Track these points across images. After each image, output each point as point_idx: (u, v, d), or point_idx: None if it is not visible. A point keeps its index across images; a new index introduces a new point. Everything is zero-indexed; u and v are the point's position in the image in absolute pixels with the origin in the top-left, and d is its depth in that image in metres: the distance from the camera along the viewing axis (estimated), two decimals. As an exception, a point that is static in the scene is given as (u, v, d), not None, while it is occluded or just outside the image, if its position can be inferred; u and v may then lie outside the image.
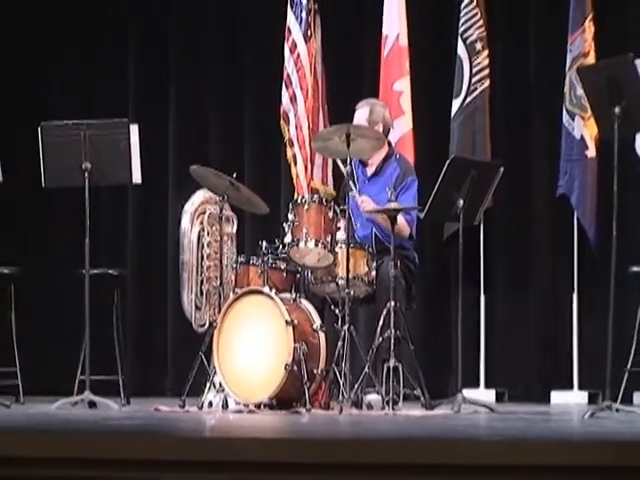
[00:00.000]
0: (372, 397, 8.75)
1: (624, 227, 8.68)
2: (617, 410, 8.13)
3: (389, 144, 9.38)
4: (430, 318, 10.07)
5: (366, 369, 8.67)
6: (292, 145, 9.84)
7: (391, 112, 9.76)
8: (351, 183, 8.90)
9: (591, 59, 9.60)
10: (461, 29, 9.95)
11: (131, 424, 8.13)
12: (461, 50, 9.94)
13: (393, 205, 8.84)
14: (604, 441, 7.02)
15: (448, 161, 8.94)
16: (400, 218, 8.99)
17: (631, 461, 6.26)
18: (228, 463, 6.52)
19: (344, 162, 8.79)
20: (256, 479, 6.42)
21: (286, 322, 8.60)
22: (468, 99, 9.94)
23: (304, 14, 9.89)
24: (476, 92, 9.93)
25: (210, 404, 8.87)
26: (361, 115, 9.31)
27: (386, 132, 9.37)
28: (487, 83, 9.96)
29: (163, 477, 6.51)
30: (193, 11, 10.89)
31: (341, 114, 9.53)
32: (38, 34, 11.16)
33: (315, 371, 8.72)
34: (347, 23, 10.39)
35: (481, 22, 9.95)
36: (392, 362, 8.60)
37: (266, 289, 8.78)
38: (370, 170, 9.29)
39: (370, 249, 9.03)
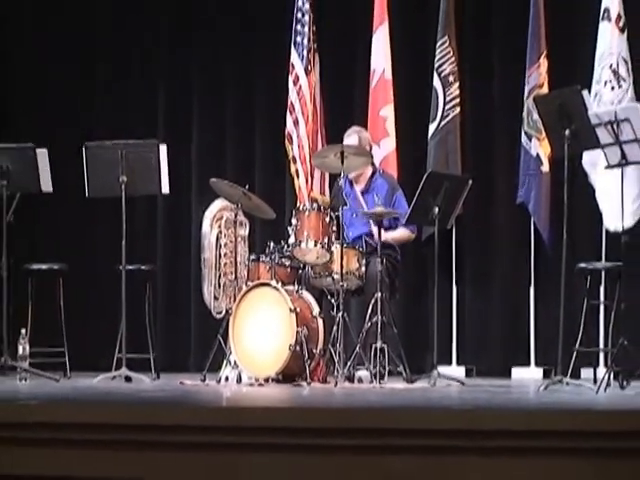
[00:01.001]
0: (362, 373, 8.79)
1: (573, 230, 8.74)
2: (567, 384, 8.17)
3: (372, 163, 9.41)
4: (410, 306, 10.08)
5: (357, 349, 8.72)
6: (295, 162, 9.85)
7: (378, 134, 9.83)
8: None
9: (545, 90, 9.59)
10: (436, 64, 9.94)
11: (160, 395, 8.17)
12: (436, 82, 9.93)
13: (383, 211, 8.92)
14: (556, 410, 7.05)
15: (425, 175, 8.98)
16: (405, 231, 9.08)
17: (579, 426, 6.30)
18: (241, 428, 6.55)
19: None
20: (265, 442, 6.43)
21: (290, 310, 8.64)
22: (442, 123, 9.93)
23: (305, 52, 9.89)
24: (449, 117, 9.93)
25: (226, 378, 8.91)
26: (351, 143, 9.33)
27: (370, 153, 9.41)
28: (458, 110, 9.95)
29: (187, 440, 6.54)
30: (213, 49, 10.86)
31: (336, 136, 9.53)
32: (86, 64, 11.13)
33: (314, 351, 8.76)
34: (341, 59, 10.37)
35: (453, 59, 9.94)
36: (379, 344, 8.64)
37: (273, 282, 8.82)
38: (360, 187, 9.30)
39: (360, 249, 9.06)
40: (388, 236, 9.11)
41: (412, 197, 8.92)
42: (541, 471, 6.15)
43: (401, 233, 9.25)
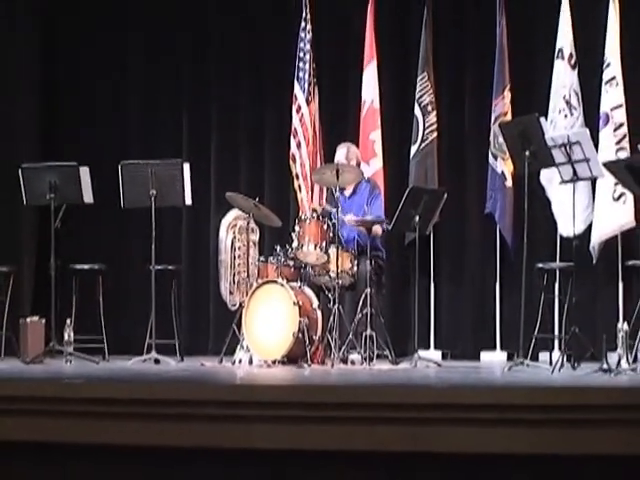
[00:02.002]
0: (354, 356, 8.78)
1: (532, 235, 8.75)
2: (527, 365, 8.18)
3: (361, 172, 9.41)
4: (395, 300, 10.06)
5: (350, 336, 8.72)
6: (298, 178, 9.85)
7: (367, 154, 9.85)
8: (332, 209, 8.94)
9: (508, 117, 9.58)
10: (417, 96, 9.93)
11: (184, 375, 8.18)
12: (417, 111, 9.92)
13: (369, 217, 8.94)
14: (518, 387, 7.06)
15: (408, 189, 8.99)
16: (378, 227, 9.06)
17: (537, 401, 6.32)
18: (252, 403, 6.56)
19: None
20: (272, 414, 6.45)
21: (293, 303, 8.65)
22: (422, 145, 9.93)
23: (306, 85, 9.90)
24: (427, 140, 9.92)
25: (240, 361, 8.89)
26: (341, 154, 9.34)
27: (358, 164, 9.41)
28: (435, 134, 9.94)
29: (207, 412, 6.56)
30: (228, 82, 10.83)
31: (333, 156, 9.47)
32: (121, 94, 11.15)
33: (314, 337, 8.76)
34: (336, 91, 10.37)
35: (431, 91, 9.94)
36: (368, 331, 8.64)
37: (279, 280, 8.83)
38: (348, 192, 9.30)
39: (353, 251, 9.06)
40: (365, 219, 8.98)
41: (396, 208, 8.92)
42: (506, 438, 6.18)
43: (375, 228, 9.17)
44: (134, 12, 10.95)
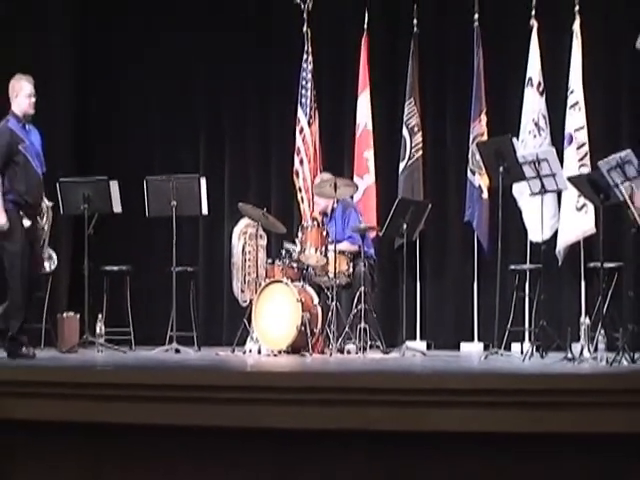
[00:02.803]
0: (350, 346, 8.78)
1: (505, 241, 8.76)
2: (501, 354, 8.20)
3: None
4: (386, 297, 10.06)
5: (346, 329, 8.74)
6: (300, 191, 9.86)
7: (361, 170, 9.91)
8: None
9: (485, 137, 9.59)
10: (405, 119, 9.94)
11: (201, 363, 8.18)
12: (405, 132, 9.93)
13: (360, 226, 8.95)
14: (493, 373, 7.07)
15: (397, 201, 9.02)
16: (346, 244, 9.06)
17: (510, 386, 6.33)
18: (261, 387, 6.57)
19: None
20: (278, 397, 6.45)
21: (297, 300, 8.66)
22: (409, 162, 9.93)
23: (308, 110, 9.91)
24: (414, 158, 9.92)
25: (250, 350, 8.91)
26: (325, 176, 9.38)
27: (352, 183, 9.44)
28: (421, 152, 9.94)
29: (221, 396, 6.56)
30: (240, 107, 10.86)
31: (331, 171, 9.56)
32: (146, 115, 11.17)
33: (315, 330, 8.77)
34: (334, 115, 10.38)
35: (417, 114, 9.93)
36: (362, 325, 8.65)
37: (284, 279, 8.84)
38: (327, 218, 9.29)
39: (349, 255, 9.07)
40: (339, 247, 8.98)
41: (387, 217, 8.95)
42: (483, 419, 6.18)
43: (347, 245, 9.17)
44: (165, 43, 10.91)
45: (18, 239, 7.82)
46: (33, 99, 8.00)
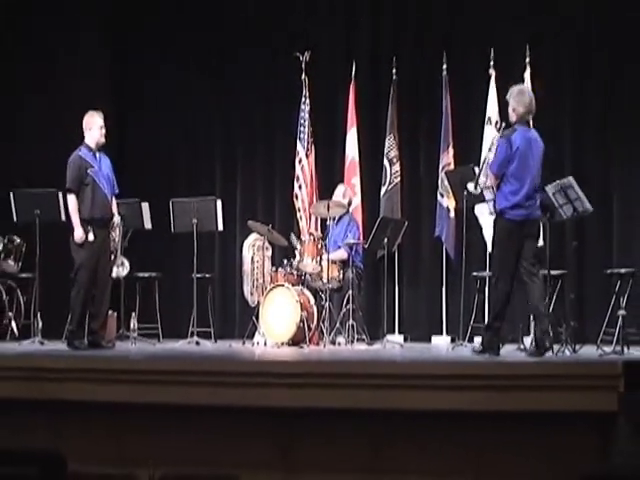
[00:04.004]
0: (341, 339, 8.78)
1: (468, 252, 8.78)
2: (465, 346, 8.22)
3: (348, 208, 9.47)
4: (370, 299, 10.04)
5: (337, 325, 8.75)
6: (299, 211, 9.82)
7: (351, 193, 9.89)
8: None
9: (452, 166, 9.57)
10: (386, 151, 9.92)
11: (217, 353, 8.21)
12: (386, 162, 9.91)
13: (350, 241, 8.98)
14: (458, 362, 7.10)
15: (379, 219, 9.08)
16: (342, 252, 9.12)
17: (471, 372, 6.35)
18: (267, 372, 6.58)
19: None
20: (281, 381, 6.46)
21: (296, 301, 8.67)
22: (389, 187, 9.90)
23: (306, 143, 9.90)
24: (393, 183, 9.89)
25: (258, 343, 8.92)
26: (339, 191, 9.46)
27: (350, 199, 9.48)
28: (399, 179, 9.91)
29: (234, 380, 6.57)
30: (249, 139, 10.84)
31: (326, 194, 9.60)
32: (169, 144, 11.19)
33: (311, 326, 8.77)
34: (327, 147, 10.38)
35: (396, 148, 9.91)
36: (350, 321, 8.67)
37: (286, 284, 8.85)
38: (335, 221, 9.33)
39: (339, 263, 9.10)
40: (332, 256, 9.00)
41: (371, 232, 8.98)
42: (450, 399, 6.20)
43: (340, 253, 9.20)
44: (192, 90, 10.93)
45: (83, 250, 7.87)
46: (104, 130, 8.10)
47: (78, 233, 7.85)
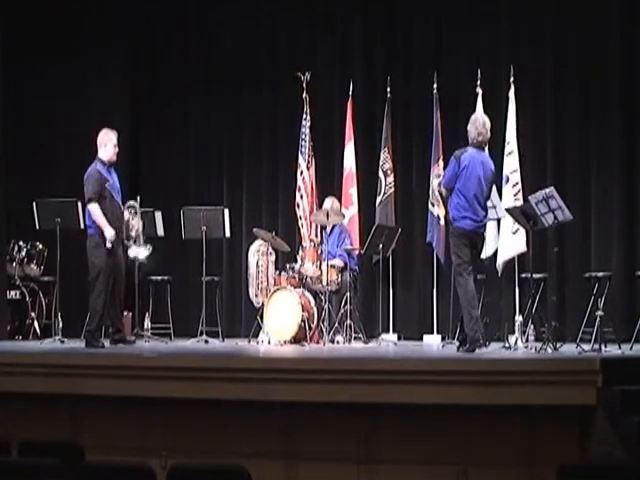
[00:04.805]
0: (339, 338, 8.70)
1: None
2: (455, 344, 8.15)
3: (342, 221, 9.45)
4: (367, 300, 9.97)
5: (336, 324, 8.70)
6: (301, 219, 9.72)
7: (347, 203, 9.81)
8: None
9: (441, 178, 9.55)
10: (381, 164, 9.84)
11: (224, 350, 8.19)
12: (381, 174, 9.82)
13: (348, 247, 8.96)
14: (448, 358, 7.08)
15: (374, 226, 9.02)
16: (337, 260, 9.09)
17: (460, 367, 6.34)
18: (271, 369, 6.58)
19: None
20: (284, 377, 6.45)
21: (298, 302, 8.62)
22: (384, 197, 9.79)
23: (306, 156, 9.83)
24: (388, 193, 9.79)
25: (262, 341, 8.86)
26: (328, 202, 9.42)
27: (339, 209, 9.43)
28: (393, 189, 9.81)
29: (240, 376, 6.55)
30: (256, 152, 10.78)
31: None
32: (183, 159, 11.16)
33: (312, 325, 8.71)
34: (327, 161, 10.32)
35: (390, 160, 9.81)
36: (348, 321, 8.62)
37: (289, 287, 8.80)
38: (328, 231, 9.29)
39: (338, 268, 9.07)
40: (331, 262, 8.95)
41: (367, 239, 8.95)
42: (440, 393, 6.19)
43: (337, 261, 9.12)
44: (205, 110, 10.85)
45: (102, 257, 7.86)
46: (117, 149, 8.12)
47: (110, 232, 7.83)
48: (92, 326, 7.90)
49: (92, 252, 7.88)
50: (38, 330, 9.48)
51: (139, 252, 8.49)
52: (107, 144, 8.07)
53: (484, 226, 7.54)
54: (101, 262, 7.85)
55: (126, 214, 8.29)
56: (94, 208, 7.91)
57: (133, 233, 8.35)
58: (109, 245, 7.85)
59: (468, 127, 7.55)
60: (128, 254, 8.38)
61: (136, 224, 8.35)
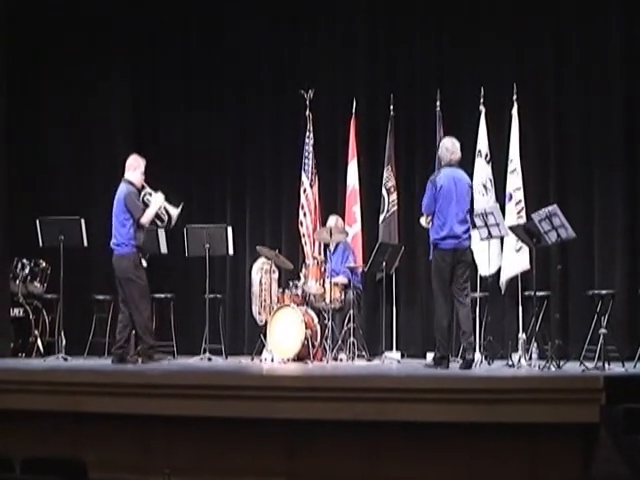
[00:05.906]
0: (342, 356, 8.71)
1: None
2: (458, 362, 8.14)
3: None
4: (370, 318, 9.96)
5: (339, 342, 8.73)
6: (304, 237, 9.78)
7: (351, 221, 9.83)
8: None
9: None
10: (384, 182, 9.85)
11: (227, 368, 8.17)
12: (384, 192, 9.84)
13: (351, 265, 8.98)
14: (451, 376, 7.07)
15: (377, 244, 9.05)
16: (341, 277, 9.13)
17: (463, 385, 6.34)
18: (274, 387, 6.59)
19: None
20: (287, 395, 6.47)
21: (301, 320, 8.65)
22: (387, 215, 9.83)
23: (310, 174, 9.90)
24: (391, 211, 9.81)
25: (265, 359, 8.86)
26: (331, 220, 9.47)
27: (342, 227, 9.48)
28: (396, 207, 9.83)
29: (243, 394, 6.57)
30: (259, 170, 10.79)
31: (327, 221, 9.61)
32: (185, 183, 11.20)
33: (315, 343, 8.75)
34: (330, 178, 10.35)
35: (393, 179, 9.84)
36: (351, 339, 8.65)
37: (292, 304, 8.83)
38: (332, 249, 9.30)
39: (341, 285, 9.09)
40: (334, 280, 9.00)
41: (370, 257, 8.97)
42: (443, 410, 6.19)
43: (341, 278, 9.19)
44: (212, 127, 10.90)
45: (141, 278, 8.18)
46: (143, 176, 8.44)
47: (160, 198, 8.31)
48: (149, 342, 8.21)
49: (132, 271, 8.12)
50: (41, 348, 9.49)
51: (173, 212, 8.56)
52: (136, 169, 8.38)
53: (469, 238, 7.77)
54: (143, 280, 8.14)
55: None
56: (147, 219, 8.25)
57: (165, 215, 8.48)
58: (145, 264, 8.15)
59: (439, 152, 7.98)
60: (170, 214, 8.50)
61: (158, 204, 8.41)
